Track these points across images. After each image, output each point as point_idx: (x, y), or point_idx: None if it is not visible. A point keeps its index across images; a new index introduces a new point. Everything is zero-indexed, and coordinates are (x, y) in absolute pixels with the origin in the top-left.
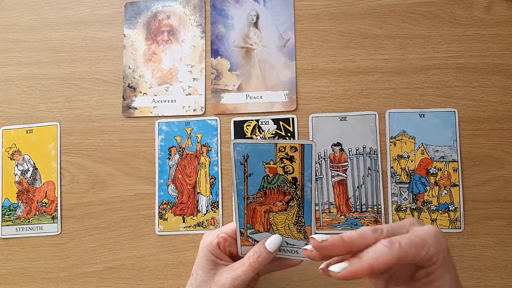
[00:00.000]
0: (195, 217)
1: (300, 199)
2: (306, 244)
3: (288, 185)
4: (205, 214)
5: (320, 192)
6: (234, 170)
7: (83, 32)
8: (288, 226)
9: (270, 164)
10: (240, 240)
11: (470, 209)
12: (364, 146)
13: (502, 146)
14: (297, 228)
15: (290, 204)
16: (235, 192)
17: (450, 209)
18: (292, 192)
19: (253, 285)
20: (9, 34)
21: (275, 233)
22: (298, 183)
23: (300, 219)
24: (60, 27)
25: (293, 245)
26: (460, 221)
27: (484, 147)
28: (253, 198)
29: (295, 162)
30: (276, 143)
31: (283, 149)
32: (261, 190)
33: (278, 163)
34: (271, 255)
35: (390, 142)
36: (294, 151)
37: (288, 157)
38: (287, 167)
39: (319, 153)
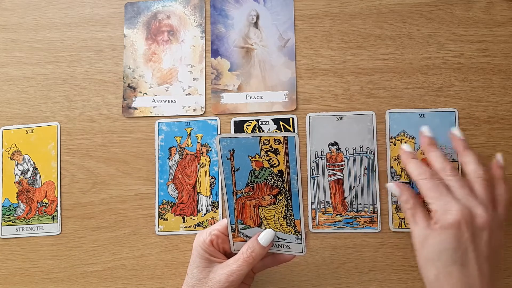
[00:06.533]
0: (195, 217)
1: (287, 192)
2: (297, 238)
3: (275, 178)
4: (205, 214)
5: (316, 191)
6: (222, 165)
7: (83, 32)
8: (278, 220)
9: (256, 158)
10: (232, 236)
11: None
12: (361, 146)
13: (502, 146)
14: (286, 222)
15: (278, 197)
16: (223, 188)
17: None
18: (279, 185)
19: (248, 282)
20: (9, 34)
21: (265, 228)
22: (285, 176)
23: (289, 213)
24: (60, 27)
25: (284, 239)
26: None
27: (484, 147)
28: (242, 192)
29: (279, 154)
30: (260, 136)
31: (267, 142)
32: (249, 184)
33: (263, 157)
34: (265, 250)
35: (390, 142)
36: (278, 144)
37: (273, 150)
38: (273, 160)
39: (316, 152)
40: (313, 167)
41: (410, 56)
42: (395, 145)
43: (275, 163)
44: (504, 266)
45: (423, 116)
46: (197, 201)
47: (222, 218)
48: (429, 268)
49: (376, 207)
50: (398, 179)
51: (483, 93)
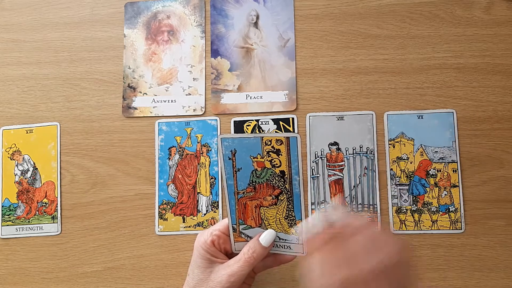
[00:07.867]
0: (195, 217)
1: (289, 193)
2: (298, 239)
3: (277, 178)
4: (205, 214)
5: (316, 191)
6: (223, 165)
7: (83, 32)
8: (279, 220)
9: (257, 158)
10: (233, 236)
11: (470, 209)
12: (361, 146)
13: (502, 146)
14: (288, 222)
15: (279, 198)
16: (225, 188)
17: (450, 210)
18: (280, 185)
19: (249, 282)
20: (9, 34)
21: (267, 228)
22: (286, 176)
23: (290, 213)
24: (60, 27)
25: (285, 240)
26: (461, 222)
27: (484, 147)
28: (243, 193)
29: (281, 155)
30: (262, 137)
31: (269, 143)
32: (251, 184)
33: (265, 157)
34: (266, 250)
35: (389, 144)
36: (280, 144)
37: (275, 151)
38: (274, 161)
39: (316, 152)
40: (313, 167)
41: (410, 56)
42: (394, 147)
43: (276, 164)
44: (504, 266)
45: (421, 118)
46: (197, 201)
47: (222, 218)
48: None
49: (376, 207)
50: (398, 181)
51: (483, 93)
